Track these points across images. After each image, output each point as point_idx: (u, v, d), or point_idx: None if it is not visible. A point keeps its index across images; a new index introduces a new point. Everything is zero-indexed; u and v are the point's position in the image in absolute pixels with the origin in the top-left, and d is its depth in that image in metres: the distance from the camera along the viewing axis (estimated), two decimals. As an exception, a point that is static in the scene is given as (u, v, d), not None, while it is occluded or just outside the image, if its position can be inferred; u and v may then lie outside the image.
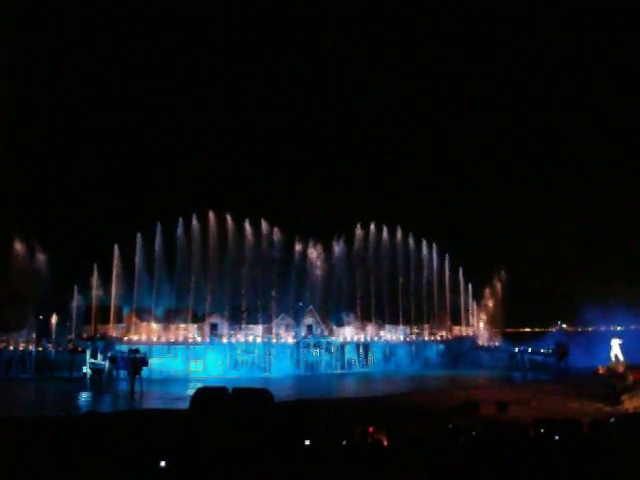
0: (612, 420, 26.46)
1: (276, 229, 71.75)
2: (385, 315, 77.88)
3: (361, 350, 72.95)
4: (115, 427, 23.35)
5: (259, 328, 70.39)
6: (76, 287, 67.76)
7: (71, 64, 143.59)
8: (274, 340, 69.31)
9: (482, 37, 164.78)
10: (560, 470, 16.91)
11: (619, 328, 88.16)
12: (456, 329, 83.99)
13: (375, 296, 76.49)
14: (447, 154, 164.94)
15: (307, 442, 18.46)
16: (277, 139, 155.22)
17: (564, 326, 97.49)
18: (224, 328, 69.11)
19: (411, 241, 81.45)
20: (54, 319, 67.63)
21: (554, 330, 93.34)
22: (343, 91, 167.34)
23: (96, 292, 66.93)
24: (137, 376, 50.08)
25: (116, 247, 67.97)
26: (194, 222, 69.91)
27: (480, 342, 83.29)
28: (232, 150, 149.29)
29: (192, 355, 65.09)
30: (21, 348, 65.46)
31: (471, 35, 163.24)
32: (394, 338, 77.62)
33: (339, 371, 69.36)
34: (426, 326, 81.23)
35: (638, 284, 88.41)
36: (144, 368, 52.46)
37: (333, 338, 72.63)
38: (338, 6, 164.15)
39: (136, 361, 51.90)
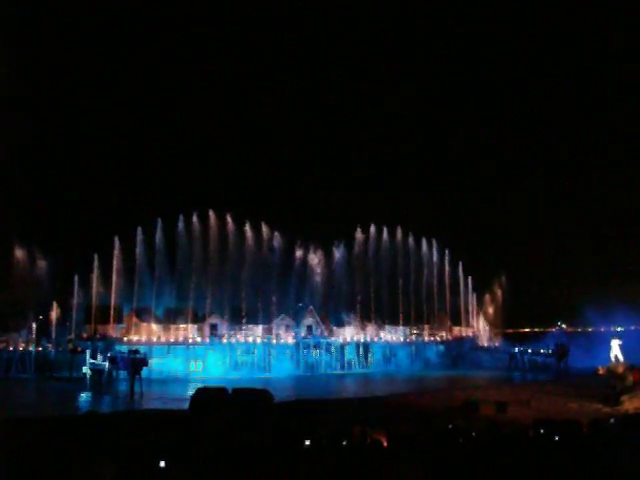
0: (612, 421, 26.46)
1: (277, 233, 71.92)
2: (385, 316, 77.95)
3: (361, 350, 73.01)
4: (115, 427, 23.38)
5: (259, 328, 70.48)
6: (76, 277, 67.69)
7: (71, 64, 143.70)
8: (274, 340, 69.35)
9: (482, 37, 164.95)
10: (559, 471, 16.92)
11: (619, 329, 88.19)
12: (456, 330, 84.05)
13: (375, 297, 76.60)
14: (447, 154, 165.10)
15: (307, 442, 18.47)
16: (276, 139, 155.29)
17: (564, 326, 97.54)
18: (224, 328, 69.16)
19: (411, 240, 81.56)
20: (54, 313, 67.53)
21: (554, 330, 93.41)
22: (343, 91, 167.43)
23: (96, 289, 66.96)
24: (137, 376, 50.10)
25: (116, 243, 68.02)
26: (194, 222, 70.01)
27: (480, 343, 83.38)
28: (231, 150, 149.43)
29: (192, 355, 65.15)
30: (21, 348, 65.48)
31: (471, 35, 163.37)
32: (394, 339, 77.66)
33: (339, 371, 69.39)
34: (426, 327, 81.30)
35: (638, 284, 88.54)
36: (144, 368, 52.50)
37: (333, 338, 72.68)
38: (338, 5, 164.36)
39: (136, 361, 51.95)
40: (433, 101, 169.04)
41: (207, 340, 67.41)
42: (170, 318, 68.07)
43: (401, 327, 79.01)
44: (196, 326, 68.59)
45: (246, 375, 61.72)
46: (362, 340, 73.91)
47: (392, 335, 78.02)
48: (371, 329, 75.95)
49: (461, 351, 78.29)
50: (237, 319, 70.06)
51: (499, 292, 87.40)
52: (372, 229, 79.08)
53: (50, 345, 66.26)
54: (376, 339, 75.42)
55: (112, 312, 66.82)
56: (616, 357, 61.75)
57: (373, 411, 33.23)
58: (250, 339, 68.68)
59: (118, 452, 17.05)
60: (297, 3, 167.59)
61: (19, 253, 67.71)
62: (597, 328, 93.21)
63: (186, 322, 68.06)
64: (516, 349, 74.07)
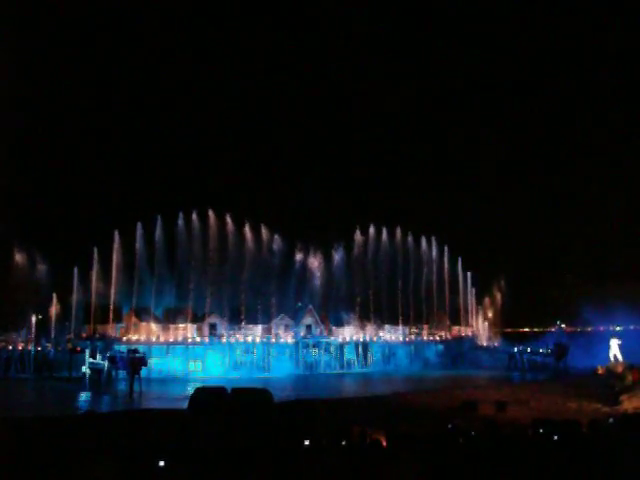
0: (611, 420, 26.48)
1: (276, 236, 71.96)
2: (384, 315, 77.96)
3: (360, 350, 73.02)
4: (114, 427, 23.37)
5: (258, 328, 70.46)
6: (75, 270, 67.61)
7: (71, 63, 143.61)
8: (273, 340, 69.35)
9: (482, 37, 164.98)
10: (559, 470, 16.94)
11: (618, 328, 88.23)
12: (455, 329, 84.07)
13: (374, 297, 76.62)
14: (447, 154, 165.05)
15: (307, 442, 18.47)
16: (275, 139, 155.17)
17: (563, 326, 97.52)
18: (223, 328, 69.15)
19: (410, 240, 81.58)
20: (54, 309, 67.41)
21: (553, 330, 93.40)
22: (343, 91, 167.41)
23: (96, 282, 66.89)
24: (136, 376, 50.08)
25: (116, 237, 67.93)
26: (194, 220, 69.98)
27: (479, 342, 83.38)
28: (230, 150, 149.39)
29: (191, 355, 65.12)
30: (20, 348, 65.43)
31: (471, 35, 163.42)
32: (393, 338, 77.68)
33: (338, 371, 69.40)
34: (425, 326, 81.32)
35: (637, 284, 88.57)
36: (143, 368, 52.47)
37: (332, 338, 72.68)
38: (338, 5, 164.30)
39: (135, 361, 51.92)
40: (433, 101, 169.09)
41: (206, 340, 67.38)
42: (169, 318, 68.04)
43: (400, 327, 79.00)
44: (195, 326, 68.56)
45: (245, 375, 61.69)
46: (361, 340, 73.91)
47: (391, 335, 78.02)
48: (370, 329, 75.95)
49: (460, 351, 78.25)
50: (236, 319, 70.04)
51: (498, 292, 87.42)
52: (371, 230, 79.11)
53: (49, 345, 66.20)
54: (375, 339, 75.43)
55: (111, 312, 66.78)
56: (615, 357, 61.92)
57: (372, 411, 33.24)
58: (249, 339, 68.67)
59: (117, 452, 17.05)
60: (297, 3, 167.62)
61: (19, 253, 67.63)
62: (596, 328, 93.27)
63: (185, 322, 68.04)
64: (515, 349, 74.01)
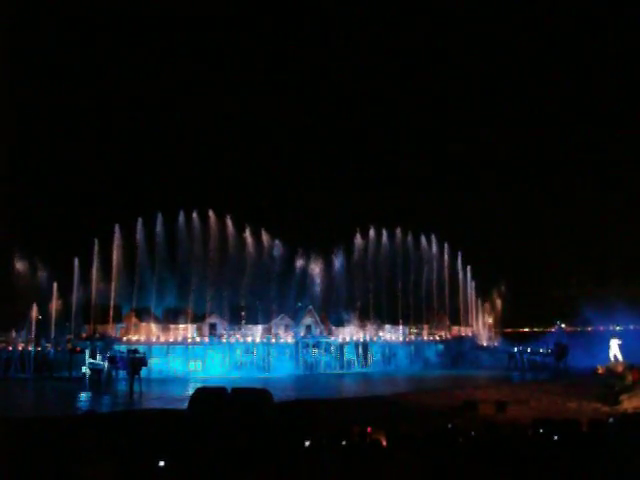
0: (611, 420, 26.45)
1: (277, 241, 72.00)
2: (384, 315, 77.98)
3: (360, 350, 73.04)
4: (114, 427, 23.37)
5: (258, 328, 70.46)
6: (76, 261, 67.48)
7: (72, 64, 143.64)
8: (273, 340, 69.35)
9: (482, 37, 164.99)
10: (559, 470, 16.95)
11: (618, 328, 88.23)
12: (455, 329, 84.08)
13: (374, 297, 76.66)
14: (447, 154, 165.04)
15: (307, 442, 18.47)
16: (275, 139, 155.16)
17: (563, 326, 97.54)
18: (223, 328, 69.16)
19: (410, 239, 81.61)
20: (54, 306, 67.37)
21: (553, 330, 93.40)
22: (343, 92, 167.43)
23: (96, 275, 66.89)
24: (136, 376, 50.08)
25: (116, 236, 67.88)
26: (194, 220, 69.99)
27: (479, 342, 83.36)
28: (230, 150, 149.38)
29: (191, 355, 65.14)
30: (20, 348, 65.43)
31: (471, 35, 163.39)
32: (393, 338, 77.68)
33: (338, 371, 69.41)
34: (425, 326, 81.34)
35: (637, 284, 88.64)
36: (143, 368, 52.47)
37: (332, 338, 72.70)
38: (338, 5, 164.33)
39: (135, 361, 51.91)
40: (433, 101, 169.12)
41: (206, 340, 67.39)
42: (169, 318, 68.04)
43: (400, 326, 79.03)
44: (195, 326, 68.58)
45: (245, 375, 61.70)
46: (361, 340, 73.93)
47: (391, 335, 78.04)
48: (370, 328, 75.96)
49: (460, 350, 78.24)
50: (236, 319, 70.08)
51: (498, 292, 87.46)
52: (371, 231, 79.18)
53: (49, 345, 66.20)
54: (375, 339, 75.45)
55: (111, 312, 66.79)
56: (615, 356, 61.84)
57: (372, 411, 33.23)
58: (249, 339, 68.68)
59: (117, 452, 17.06)
60: (297, 3, 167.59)
61: (19, 253, 67.65)
62: (596, 327, 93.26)
63: (185, 322, 68.05)
64: (515, 349, 74.02)
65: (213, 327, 69.47)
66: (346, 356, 72.04)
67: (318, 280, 73.47)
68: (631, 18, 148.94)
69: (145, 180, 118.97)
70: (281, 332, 71.29)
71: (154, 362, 60.79)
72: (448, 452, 18.01)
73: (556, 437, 20.27)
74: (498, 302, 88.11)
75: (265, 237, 72.08)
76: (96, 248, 67.37)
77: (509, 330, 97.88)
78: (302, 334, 71.91)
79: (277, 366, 66.72)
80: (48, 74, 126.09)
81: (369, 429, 20.97)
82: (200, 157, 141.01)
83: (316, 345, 70.82)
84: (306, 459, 17.11)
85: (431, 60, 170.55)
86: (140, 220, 68.40)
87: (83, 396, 48.44)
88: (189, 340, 66.84)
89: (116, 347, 61.23)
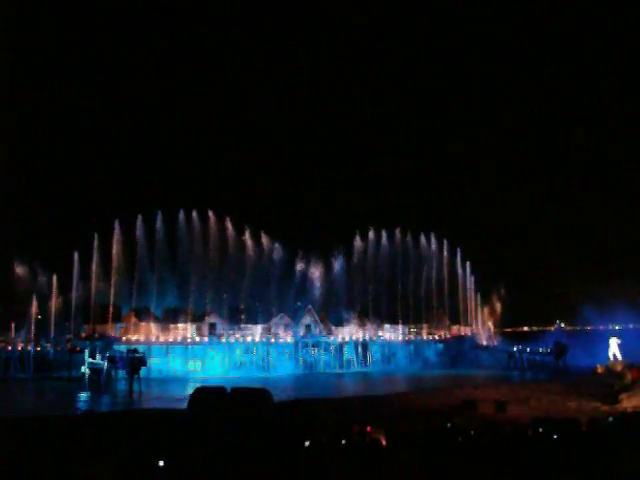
0: (610, 419, 26.47)
1: (277, 245, 72.05)
2: (384, 315, 77.98)
3: (360, 350, 73.03)
4: (113, 427, 23.36)
5: (257, 328, 70.44)
6: (76, 254, 67.40)
7: (72, 63, 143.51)
8: (272, 340, 69.33)
9: (482, 37, 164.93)
10: (558, 469, 16.95)
11: (617, 327, 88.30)
12: (454, 328, 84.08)
13: (374, 296, 76.68)
14: (447, 154, 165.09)
15: (306, 442, 18.46)
16: (275, 138, 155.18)
17: (562, 325, 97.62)
18: (223, 328, 69.13)
19: (409, 239, 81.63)
20: (53, 304, 67.26)
21: (553, 329, 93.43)
22: (343, 92, 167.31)
23: (96, 269, 66.84)
24: (136, 376, 50.07)
25: (116, 233, 67.78)
26: (194, 221, 69.98)
27: (479, 341, 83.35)
28: (229, 151, 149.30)
29: (191, 355, 65.11)
30: (19, 348, 65.40)
31: (471, 35, 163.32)
32: (393, 338, 77.68)
33: (338, 370, 69.40)
34: (425, 326, 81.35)
35: (637, 283, 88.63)
36: (143, 368, 52.45)
37: (332, 337, 72.69)
38: (339, 6, 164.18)
39: (135, 361, 51.88)
40: (433, 101, 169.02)
41: (206, 339, 67.37)
42: (169, 317, 68.01)
43: (400, 326, 79.04)
44: (195, 325, 68.55)
45: (245, 374, 61.68)
46: (361, 339, 73.93)
47: (391, 334, 78.04)
48: (370, 328, 75.96)
49: (460, 350, 78.23)
50: (236, 318, 70.05)
51: (498, 291, 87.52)
52: (371, 232, 79.24)
53: (49, 345, 66.18)
54: (375, 338, 75.44)
55: (111, 311, 66.77)
56: (614, 355, 61.93)
57: (372, 410, 33.24)
58: (249, 338, 68.66)
59: (117, 452, 17.05)
60: (297, 3, 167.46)
61: (18, 253, 67.69)
62: (596, 327, 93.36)
63: (185, 321, 68.03)
64: (515, 348, 74.03)
65: (212, 327, 69.44)
66: (345, 356, 72.03)
67: (318, 282, 73.45)
68: (631, 18, 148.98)
69: (144, 180, 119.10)
70: (280, 332, 71.26)
71: (154, 362, 60.80)
72: (447, 451, 18.01)
73: (556, 436, 20.26)
74: (498, 302, 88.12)
75: (265, 240, 72.10)
76: (96, 243, 67.33)
77: (509, 329, 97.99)
78: (301, 334, 71.89)
79: (277, 366, 66.72)
80: (48, 74, 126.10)
81: (368, 428, 20.96)
82: (200, 157, 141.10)
83: (315, 345, 70.81)
84: (306, 459, 17.10)
85: (431, 60, 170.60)
86: (140, 217, 68.38)
87: (83, 396, 48.40)
88: (188, 340, 66.80)
89: (116, 347, 61.20)
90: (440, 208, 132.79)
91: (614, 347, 62.64)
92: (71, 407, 40.95)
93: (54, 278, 67.38)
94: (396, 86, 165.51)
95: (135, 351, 55.16)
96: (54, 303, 67.30)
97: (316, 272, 73.33)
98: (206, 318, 69.18)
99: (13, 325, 66.96)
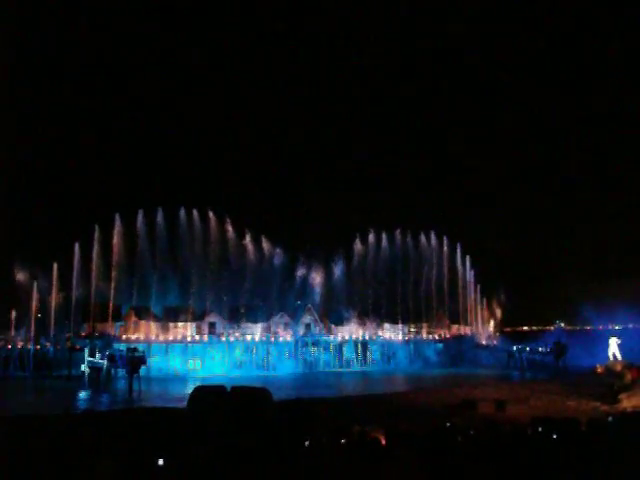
0: (610, 419, 26.48)
1: (278, 250, 72.02)
2: (384, 314, 78.00)
3: (359, 349, 73.06)
4: (113, 425, 23.35)
5: (257, 327, 70.46)
6: (77, 246, 67.20)
7: (73, 63, 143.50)
8: (272, 339, 69.35)
9: (482, 37, 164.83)
10: (558, 469, 16.95)
11: (617, 327, 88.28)
12: (454, 328, 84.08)
13: (374, 296, 76.72)
14: (447, 154, 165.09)
15: (306, 441, 18.46)
16: (274, 138, 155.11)
17: (562, 325, 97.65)
18: (222, 327, 69.14)
19: (409, 239, 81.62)
20: (53, 302, 67.27)
21: (552, 329, 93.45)
22: (343, 92, 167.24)
23: (96, 264, 66.83)
24: (135, 375, 50.09)
25: (116, 229, 67.72)
26: (195, 220, 69.97)
27: (479, 341, 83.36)
28: (230, 150, 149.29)
29: (191, 354, 65.11)
30: (19, 346, 65.41)
31: (471, 35, 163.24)
32: (393, 337, 77.70)
33: (338, 370, 69.42)
34: (424, 325, 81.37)
35: (636, 283, 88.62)
36: (143, 367, 52.47)
37: (332, 336, 72.71)
38: (339, 6, 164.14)
39: (134, 360, 51.90)
40: (433, 101, 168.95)
41: (206, 338, 67.39)
42: (169, 316, 68.03)
43: (400, 325, 79.06)
44: (195, 324, 68.56)
45: (245, 373, 61.70)
46: (361, 338, 73.95)
47: (391, 333, 78.06)
48: (370, 327, 75.98)
49: (460, 349, 78.26)
50: (236, 317, 70.06)
51: (498, 296, 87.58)
52: (371, 234, 79.29)
53: (49, 343, 66.20)
54: (375, 337, 75.45)
55: (111, 310, 66.78)
56: (614, 355, 61.93)
57: (372, 409, 33.26)
58: (249, 337, 68.67)
59: (116, 450, 17.04)
60: (297, 3, 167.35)
61: (18, 253, 67.67)
62: (595, 326, 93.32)
63: (185, 320, 68.03)
64: (515, 347, 74.06)
65: (212, 326, 69.47)
66: (345, 355, 72.06)
67: (318, 282, 73.46)
68: (631, 18, 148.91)
69: (145, 179, 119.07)
70: (280, 330, 71.29)
71: (153, 361, 60.83)
72: (447, 451, 18.00)
73: (555, 436, 20.25)
74: (498, 307, 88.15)
75: (266, 245, 72.14)
76: (97, 234, 67.26)
77: (508, 329, 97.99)
78: (301, 333, 71.92)
79: (277, 365, 66.73)
80: (48, 74, 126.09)
81: (368, 428, 20.98)
82: (199, 157, 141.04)
83: (315, 344, 70.83)
84: (305, 458, 17.10)
85: (431, 60, 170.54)
86: (141, 213, 68.30)
87: (82, 394, 48.43)
88: (188, 339, 66.81)
89: (115, 345, 61.24)
90: (440, 208, 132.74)
91: (614, 347, 62.64)
92: (71, 405, 40.93)
93: (54, 267, 67.30)
94: (396, 86, 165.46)
95: (135, 350, 55.18)
96: (54, 297, 67.15)
97: (317, 278, 73.39)
98: (206, 317, 69.21)
99: (13, 323, 67.00)
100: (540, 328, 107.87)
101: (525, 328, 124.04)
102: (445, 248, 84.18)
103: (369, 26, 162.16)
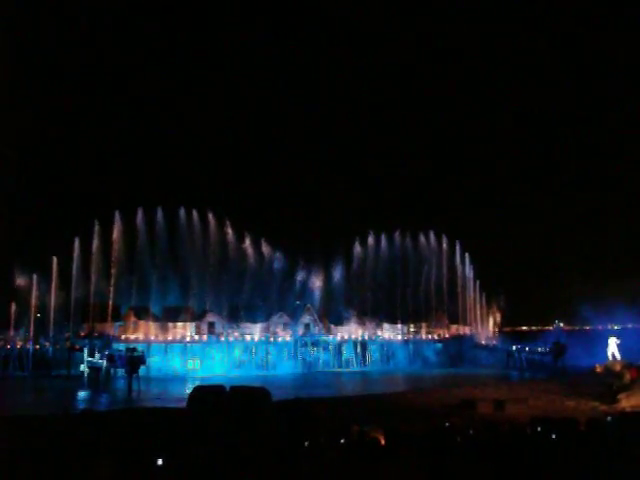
0: (609, 419, 26.48)
1: (278, 254, 72.04)
2: (383, 314, 78.01)
3: (359, 349, 73.05)
4: (112, 425, 23.34)
5: (257, 326, 70.44)
6: (77, 241, 67.26)
7: (72, 63, 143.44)
8: (271, 339, 69.33)
9: (482, 37, 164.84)
10: (557, 469, 16.96)
11: (616, 327, 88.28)
12: (454, 328, 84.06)
13: (373, 296, 76.71)
14: (447, 154, 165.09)
15: (305, 441, 18.46)
16: (274, 139, 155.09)
17: (561, 325, 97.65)
18: (222, 327, 69.11)
19: (408, 241, 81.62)
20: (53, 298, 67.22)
21: (552, 329, 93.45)
22: (343, 93, 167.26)
23: (95, 281, 66.81)
24: (135, 374, 50.08)
25: (116, 227, 67.64)
26: (195, 220, 69.97)
27: (478, 341, 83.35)
28: (230, 150, 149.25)
29: (190, 354, 65.08)
30: (18, 346, 65.35)
31: (471, 35, 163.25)
32: (392, 337, 77.69)
33: (337, 370, 69.41)
34: (424, 325, 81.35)
35: (635, 283, 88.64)
36: (142, 367, 52.46)
37: (331, 336, 72.70)
38: (339, 5, 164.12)
39: (134, 359, 51.90)
40: (433, 101, 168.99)
41: (205, 338, 67.35)
42: (168, 316, 67.98)
43: (399, 325, 79.05)
44: (194, 324, 68.53)
45: (244, 373, 61.68)
46: (360, 338, 73.93)
47: (390, 333, 78.05)
48: (369, 327, 75.96)
49: (459, 349, 78.25)
50: (235, 317, 70.04)
51: (497, 298, 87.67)
52: (370, 239, 79.30)
53: (48, 343, 66.15)
54: (374, 337, 75.44)
55: (110, 310, 66.74)
56: (613, 355, 61.95)
57: (371, 409, 33.25)
58: (248, 337, 68.65)
59: (115, 450, 17.04)
60: (297, 3, 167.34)
61: (17, 254, 67.66)
62: (595, 326, 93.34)
63: (184, 320, 67.99)
64: (514, 347, 74.06)
65: (212, 326, 69.45)
66: (345, 355, 72.03)
67: (318, 284, 73.46)
68: (631, 18, 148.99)
69: (145, 178, 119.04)
70: (279, 330, 71.27)
71: (153, 360, 60.78)
72: (446, 451, 18.01)
73: (554, 436, 20.26)
74: (497, 301, 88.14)
75: (266, 249, 72.10)
76: (96, 228, 67.21)
77: (508, 329, 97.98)
78: (301, 332, 71.90)
79: (276, 365, 66.71)
80: (48, 74, 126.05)
81: (367, 428, 20.98)
82: (199, 159, 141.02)
83: (315, 343, 70.82)
84: (305, 458, 17.09)
85: (431, 60, 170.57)
86: (140, 211, 68.25)
87: (81, 394, 48.41)
88: (188, 339, 66.78)
89: (114, 345, 61.19)
90: (440, 209, 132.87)
91: (613, 347, 62.64)
92: (70, 405, 40.91)
93: (54, 261, 67.20)
94: (396, 86, 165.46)
95: (134, 350, 55.18)
96: (54, 290, 66.99)
97: (317, 282, 73.41)
98: (205, 317, 69.18)
99: (12, 322, 66.95)
100: (539, 328, 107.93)
101: (524, 328, 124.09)
102: (444, 246, 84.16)
103: (369, 26, 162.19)
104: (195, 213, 69.94)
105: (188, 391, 32.30)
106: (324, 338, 71.91)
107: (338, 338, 72.87)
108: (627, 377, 47.31)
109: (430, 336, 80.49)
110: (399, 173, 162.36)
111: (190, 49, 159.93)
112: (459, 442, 19.67)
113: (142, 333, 66.13)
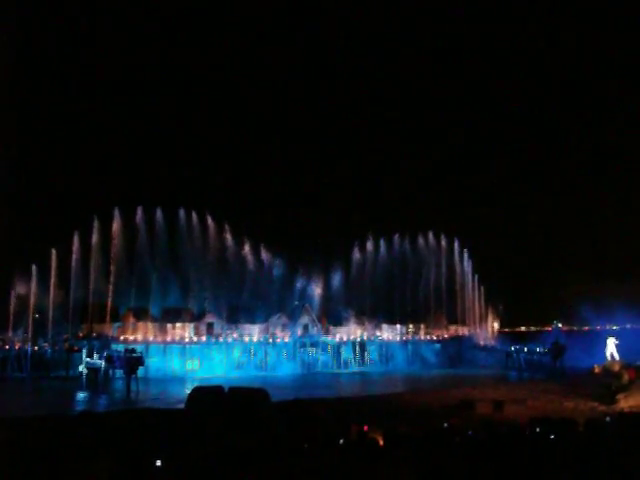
0: (607, 419, 26.51)
1: (278, 261, 72.02)
2: (382, 315, 77.97)
3: (357, 349, 72.98)
4: (111, 426, 23.32)
5: (255, 327, 70.37)
6: (76, 237, 67.13)
7: (72, 63, 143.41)
8: (270, 340, 69.26)
9: (482, 37, 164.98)
10: (555, 469, 16.97)
11: (615, 327, 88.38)
12: (452, 328, 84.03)
13: (372, 296, 76.72)
14: (447, 154, 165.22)
15: (304, 441, 18.46)
16: (274, 139, 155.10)
17: (560, 325, 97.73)
18: (221, 327, 69.04)
19: (407, 243, 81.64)
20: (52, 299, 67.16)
21: (550, 329, 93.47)
22: (344, 93, 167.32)
23: (94, 281, 66.71)
24: (133, 375, 50.00)
25: (116, 215, 67.51)
26: (194, 222, 69.95)
27: (477, 341, 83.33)
28: (231, 150, 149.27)
29: (189, 355, 64.99)
30: (17, 347, 65.23)
31: (471, 35, 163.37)
32: (391, 338, 77.65)
33: (336, 370, 69.36)
34: (423, 325, 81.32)
35: (634, 283, 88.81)
36: (140, 367, 52.37)
37: (329, 337, 72.64)
38: (339, 6, 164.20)
39: (132, 360, 51.81)
40: (433, 101, 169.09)
41: (204, 339, 67.27)
42: (167, 317, 67.89)
43: (398, 326, 79.01)
44: (193, 325, 68.44)
45: (243, 374, 61.61)
46: (359, 339, 73.89)
47: (389, 334, 78.01)
48: (368, 328, 75.91)
49: (458, 350, 78.20)
50: (234, 318, 69.96)
51: (498, 292, 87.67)
52: (369, 243, 79.30)
53: (46, 344, 66.02)
54: (372, 338, 75.38)
55: (109, 311, 66.63)
56: (612, 355, 62.02)
57: (370, 410, 33.24)
58: (247, 338, 68.58)
59: (115, 451, 17.03)
60: (297, 3, 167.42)
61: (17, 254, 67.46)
62: (593, 327, 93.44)
63: (183, 321, 67.91)
64: (513, 348, 74.04)
65: (210, 326, 69.35)
66: (343, 355, 71.97)
67: (318, 286, 73.47)
68: (631, 18, 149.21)
69: (144, 179, 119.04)
70: (278, 331, 71.20)
71: (151, 361, 60.64)
72: (445, 451, 18.02)
73: (553, 436, 20.29)
74: (496, 302, 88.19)
75: (265, 256, 72.10)
76: (96, 224, 67.07)
77: (507, 329, 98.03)
78: (299, 333, 71.80)
79: (275, 365, 66.65)
80: (48, 74, 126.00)
81: (366, 428, 20.98)
82: (199, 159, 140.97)
83: (314, 344, 70.74)
84: (304, 458, 17.09)
85: (431, 60, 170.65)
86: (140, 209, 68.10)
87: (80, 395, 48.35)
88: (187, 339, 66.69)
89: (113, 346, 61.07)
90: (440, 208, 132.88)
91: (611, 347, 62.72)
92: (69, 406, 40.90)
93: (53, 255, 67.06)
94: (396, 86, 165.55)
95: (133, 351, 55.08)
96: (52, 286, 66.84)
97: (317, 282, 73.41)
98: (204, 318, 69.10)
99: (11, 323, 66.82)
100: (538, 328, 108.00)
101: (523, 328, 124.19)
102: (443, 245, 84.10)
103: (369, 26, 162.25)
104: (194, 215, 69.91)
105: (187, 392, 32.30)
106: (323, 339, 71.84)
107: (337, 339, 72.80)
108: (625, 378, 47.37)
109: (429, 337, 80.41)
110: (399, 173, 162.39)
111: (190, 49, 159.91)
112: (458, 442, 19.69)
113: (141, 334, 66.02)
